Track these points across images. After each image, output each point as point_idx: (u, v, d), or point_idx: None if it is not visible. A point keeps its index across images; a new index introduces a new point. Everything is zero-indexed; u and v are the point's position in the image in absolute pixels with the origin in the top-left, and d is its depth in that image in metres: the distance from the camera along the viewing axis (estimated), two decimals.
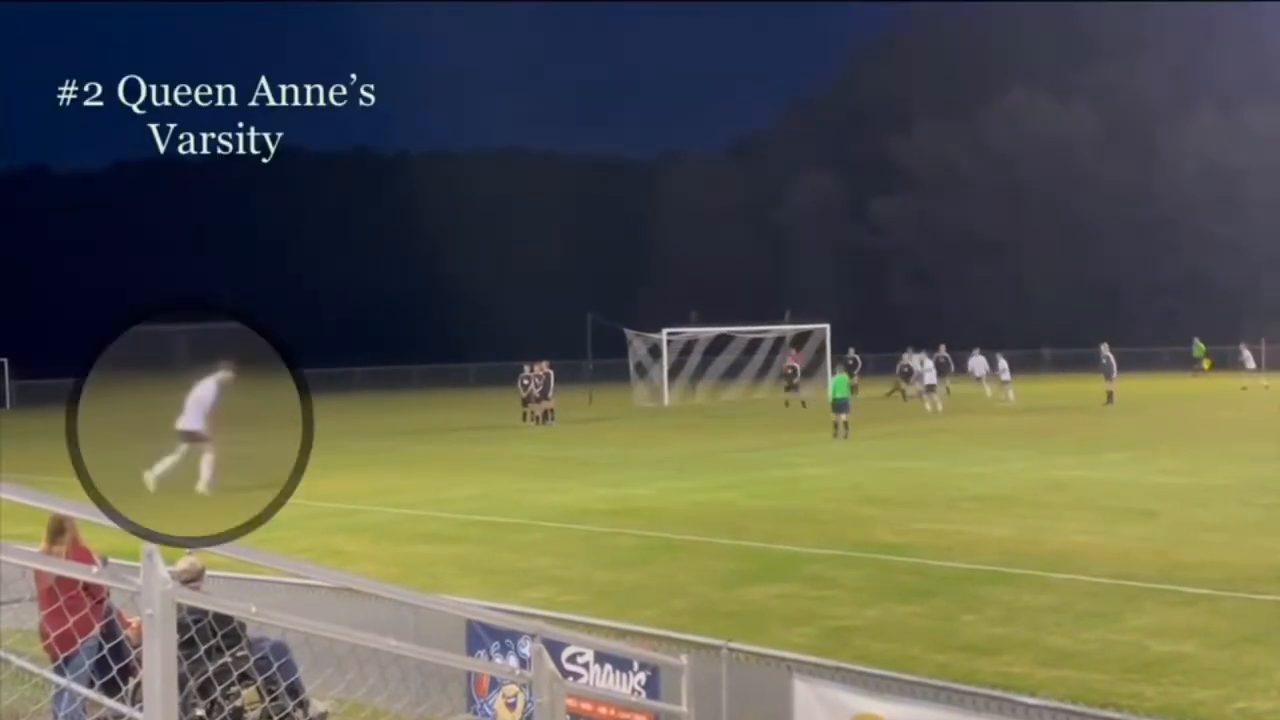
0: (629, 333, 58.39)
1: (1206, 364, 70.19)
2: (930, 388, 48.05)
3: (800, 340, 60.61)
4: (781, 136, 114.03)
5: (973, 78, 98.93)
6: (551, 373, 47.05)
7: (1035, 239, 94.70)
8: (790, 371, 54.99)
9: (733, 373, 61.10)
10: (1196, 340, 71.12)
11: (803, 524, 20.01)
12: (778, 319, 63.60)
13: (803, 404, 51.16)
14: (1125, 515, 19.85)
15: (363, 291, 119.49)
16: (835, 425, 36.81)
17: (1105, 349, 49.54)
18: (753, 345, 62.14)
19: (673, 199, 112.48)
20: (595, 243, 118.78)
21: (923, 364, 49.73)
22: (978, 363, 52.45)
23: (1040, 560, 16.21)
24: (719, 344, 61.91)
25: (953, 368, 53.05)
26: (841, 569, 16.13)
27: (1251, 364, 58.00)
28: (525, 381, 47.07)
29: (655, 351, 58.38)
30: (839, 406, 37.07)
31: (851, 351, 57.31)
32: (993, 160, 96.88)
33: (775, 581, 15.50)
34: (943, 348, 52.78)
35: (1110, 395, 47.73)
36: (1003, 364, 51.26)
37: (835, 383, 38.54)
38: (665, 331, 59.18)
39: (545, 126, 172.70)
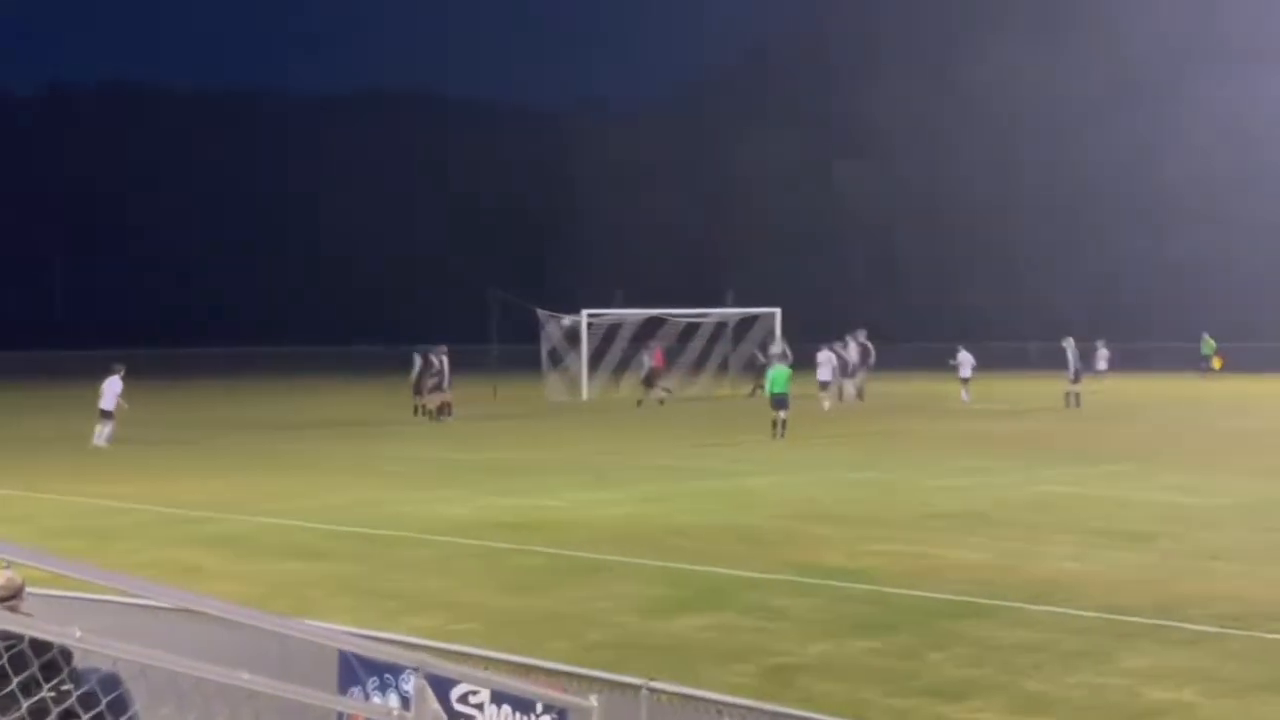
0: (541, 314, 58.24)
1: (1217, 363, 71.11)
2: (824, 384, 50.02)
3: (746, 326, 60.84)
4: (728, 85, 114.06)
5: (954, 20, 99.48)
6: (448, 360, 46.88)
7: (1024, 213, 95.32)
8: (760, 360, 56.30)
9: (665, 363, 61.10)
10: (1205, 336, 72.05)
11: (742, 543, 20.05)
12: (719, 301, 63.71)
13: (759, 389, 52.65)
14: (1119, 539, 20.06)
15: (223, 259, 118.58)
16: (774, 423, 37.78)
17: (1069, 343, 49.85)
18: (688, 331, 62.13)
19: (595, 157, 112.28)
20: (502, 208, 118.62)
21: (845, 347, 52.45)
22: (965, 358, 51.73)
23: (1019, 590, 16.34)
24: (648, 329, 61.85)
25: (873, 358, 53.80)
26: (787, 597, 16.18)
27: (1104, 365, 58.07)
28: (433, 366, 46.79)
29: (573, 337, 58.27)
30: (779, 402, 38.03)
31: (780, 341, 57.60)
32: (976, 119, 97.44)
33: (708, 610, 15.52)
34: (862, 333, 53.74)
35: (1072, 397, 48.10)
36: (963, 356, 51.53)
37: (774, 376, 39.40)
38: (585, 313, 59.09)
39: (436, 67, 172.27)
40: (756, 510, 23.57)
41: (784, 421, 37.80)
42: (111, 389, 37.26)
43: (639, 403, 52.12)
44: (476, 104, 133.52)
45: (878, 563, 18.28)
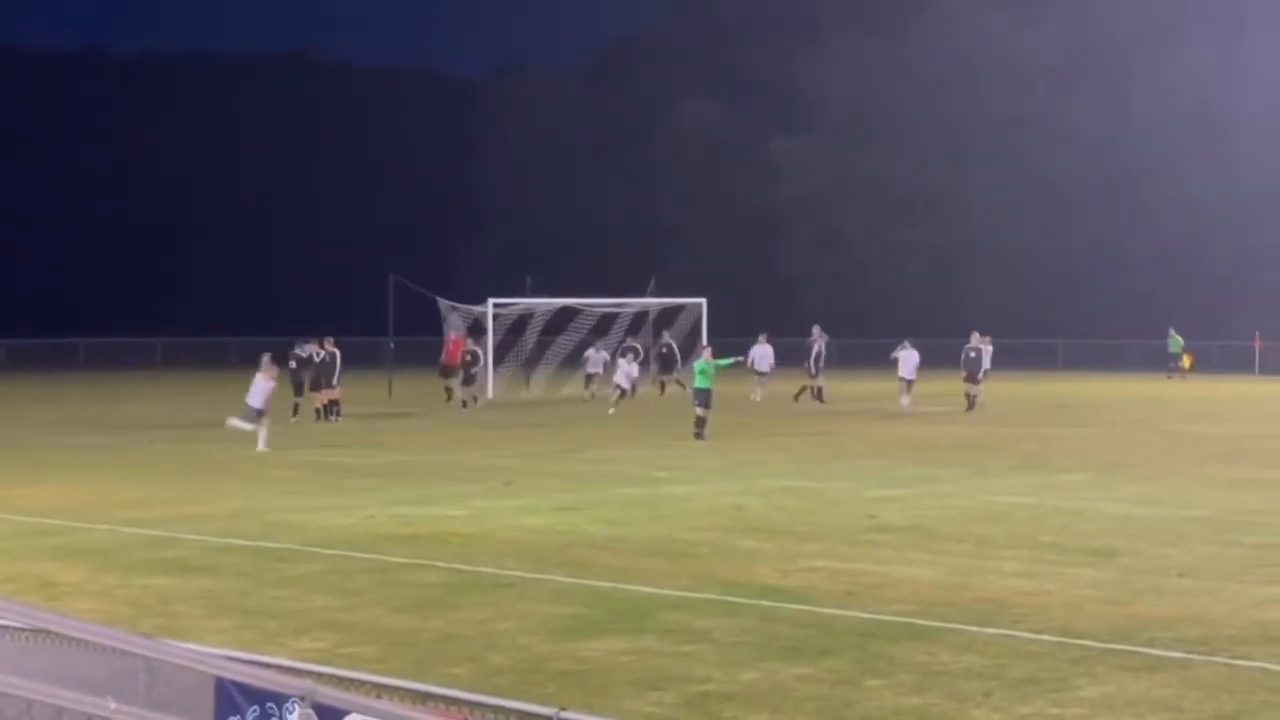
0: (443, 303, 58.12)
1: (1186, 362, 71.92)
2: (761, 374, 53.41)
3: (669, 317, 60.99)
4: (654, 50, 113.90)
5: None
6: (338, 353, 46.69)
7: (977, 196, 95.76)
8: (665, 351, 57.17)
9: (579, 357, 61.13)
10: (1173, 333, 72.85)
11: (664, 558, 20.11)
12: (640, 289, 63.79)
13: (680, 385, 54.62)
14: (1076, 555, 20.26)
15: (86, 244, 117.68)
16: (699, 420, 38.58)
17: (975, 339, 50.10)
18: (605, 322, 62.14)
19: (506, 128, 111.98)
20: (402, 183, 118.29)
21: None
22: (908, 356, 51.87)
23: (967, 611, 16.48)
24: (562, 320, 61.87)
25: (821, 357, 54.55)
26: (712, 617, 16.25)
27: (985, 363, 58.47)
28: (315, 358, 46.61)
29: (477, 328, 58.14)
30: (702, 399, 38.66)
31: (664, 337, 58.35)
32: (925, 93, 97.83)
33: (625, 633, 15.56)
34: (817, 329, 54.50)
35: (971, 399, 48.48)
36: (906, 354, 51.39)
37: (699, 370, 39.81)
38: (491, 302, 58.99)
39: (336, 29, 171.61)
40: (680, 521, 23.63)
41: (702, 420, 38.47)
42: (264, 385, 36.50)
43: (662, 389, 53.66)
44: (378, 70, 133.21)
45: (812, 580, 18.38)
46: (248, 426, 35.70)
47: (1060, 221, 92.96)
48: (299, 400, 46.62)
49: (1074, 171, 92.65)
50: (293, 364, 47.16)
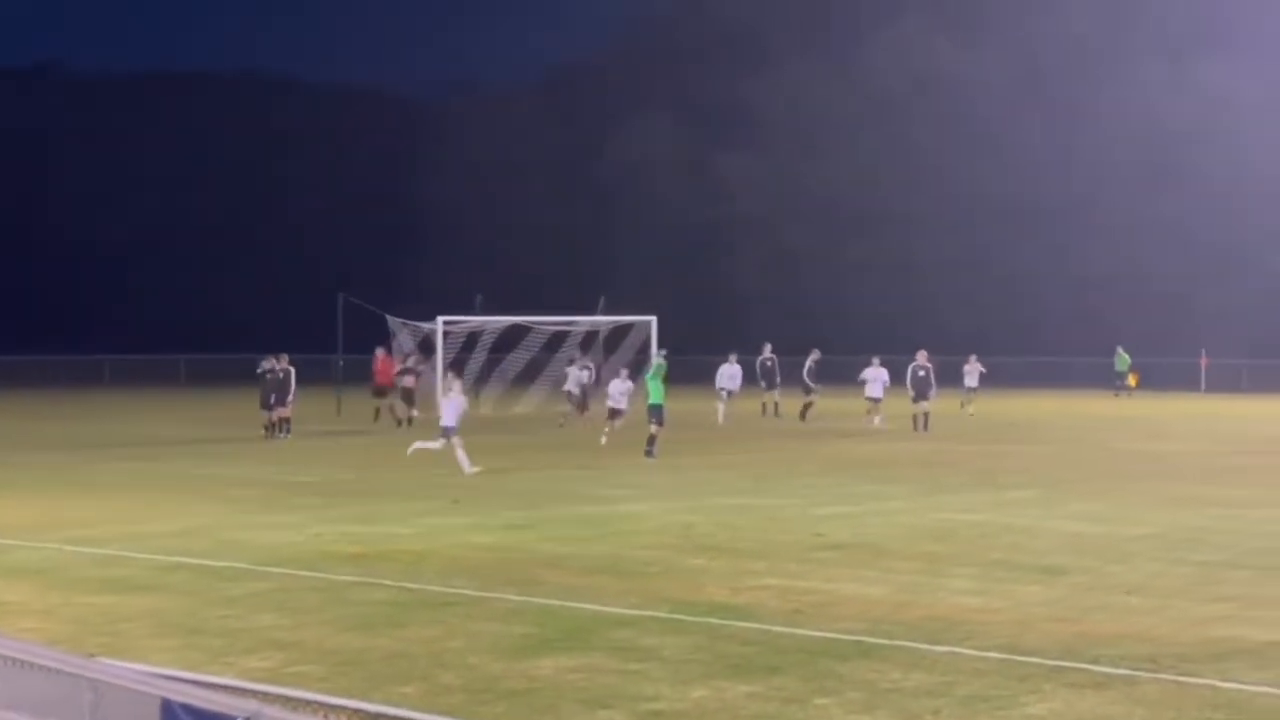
0: (393, 320, 57.99)
1: (1132, 380, 72.33)
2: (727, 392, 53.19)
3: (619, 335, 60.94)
4: (604, 69, 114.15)
5: (853, 2, 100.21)
6: (292, 370, 46.72)
7: (926, 215, 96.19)
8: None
9: (529, 375, 61.09)
10: (1120, 350, 73.27)
11: (613, 576, 20.09)
12: (590, 307, 63.75)
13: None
14: (1025, 572, 20.32)
15: (35, 261, 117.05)
16: (650, 438, 38.72)
17: (922, 358, 50.41)
18: (556, 340, 62.10)
19: (458, 147, 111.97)
20: (352, 201, 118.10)
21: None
22: (877, 375, 51.55)
23: (916, 628, 16.50)
24: (512, 337, 61.81)
25: (778, 377, 54.89)
26: (661, 635, 16.23)
27: (972, 381, 59.04)
28: (271, 376, 46.60)
29: (427, 346, 58.06)
30: (655, 415, 38.93)
31: (578, 360, 58.31)
32: (874, 111, 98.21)
33: (574, 651, 15.53)
34: (768, 347, 54.84)
35: (919, 419, 48.86)
36: (873, 373, 51.58)
37: (652, 386, 39.85)
38: (441, 320, 58.90)
39: (283, 46, 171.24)
40: (629, 539, 23.62)
41: (655, 436, 38.66)
42: (457, 402, 35.57)
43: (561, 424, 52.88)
44: (327, 87, 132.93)
45: (761, 598, 18.38)
46: (434, 445, 34.94)
47: (1009, 239, 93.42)
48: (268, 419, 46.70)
49: (1023, 190, 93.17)
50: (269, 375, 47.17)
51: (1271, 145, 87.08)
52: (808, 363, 55.21)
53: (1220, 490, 30.98)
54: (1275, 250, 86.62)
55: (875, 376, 50.75)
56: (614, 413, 44.80)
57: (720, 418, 52.16)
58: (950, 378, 58.64)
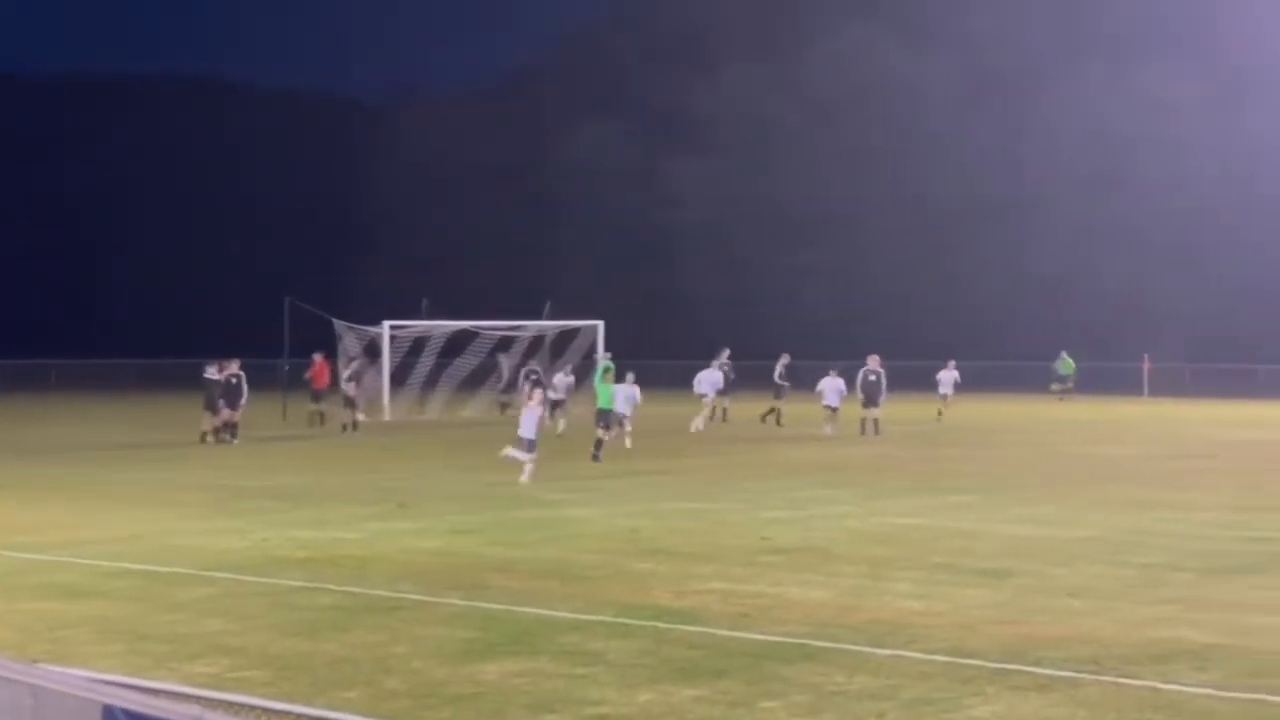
0: (339, 325, 57.90)
1: (1072, 384, 72.67)
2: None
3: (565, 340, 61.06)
4: (550, 75, 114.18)
5: (797, 7, 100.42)
6: (243, 375, 46.86)
7: (874, 219, 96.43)
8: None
9: (476, 380, 61.09)
10: (1064, 355, 73.62)
11: (559, 580, 20.09)
12: (536, 312, 63.79)
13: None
14: (969, 575, 20.41)
15: None
16: (598, 442, 38.83)
17: (873, 362, 50.28)
18: (503, 345, 62.14)
19: (405, 151, 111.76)
20: (299, 205, 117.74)
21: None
22: (833, 385, 50.60)
23: (860, 631, 16.55)
24: (459, 342, 61.79)
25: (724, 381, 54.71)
26: (607, 639, 16.24)
27: (947, 388, 58.57)
28: (223, 382, 46.59)
29: (373, 350, 57.97)
30: (603, 420, 39.10)
31: (531, 366, 58.27)
32: (821, 116, 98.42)
33: (520, 655, 15.52)
34: (726, 353, 54.57)
35: (869, 424, 48.92)
36: (828, 380, 51.45)
37: (602, 390, 39.96)
38: (387, 324, 58.85)
39: (231, 50, 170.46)
40: (576, 543, 23.62)
41: (600, 441, 38.78)
42: (535, 412, 34.51)
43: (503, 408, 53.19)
44: (275, 91, 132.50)
45: (707, 602, 18.40)
46: (524, 456, 34.35)
47: (956, 244, 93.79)
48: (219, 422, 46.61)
49: (970, 194, 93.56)
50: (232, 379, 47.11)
51: (1213, 148, 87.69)
52: (778, 367, 55.01)
53: (1162, 493, 31.20)
54: (1219, 253, 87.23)
55: (831, 386, 50.63)
56: (556, 404, 44.91)
57: (700, 423, 50.99)
58: (907, 383, 59.07)
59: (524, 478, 33.13)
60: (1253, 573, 20.71)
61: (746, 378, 58.97)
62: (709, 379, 52.75)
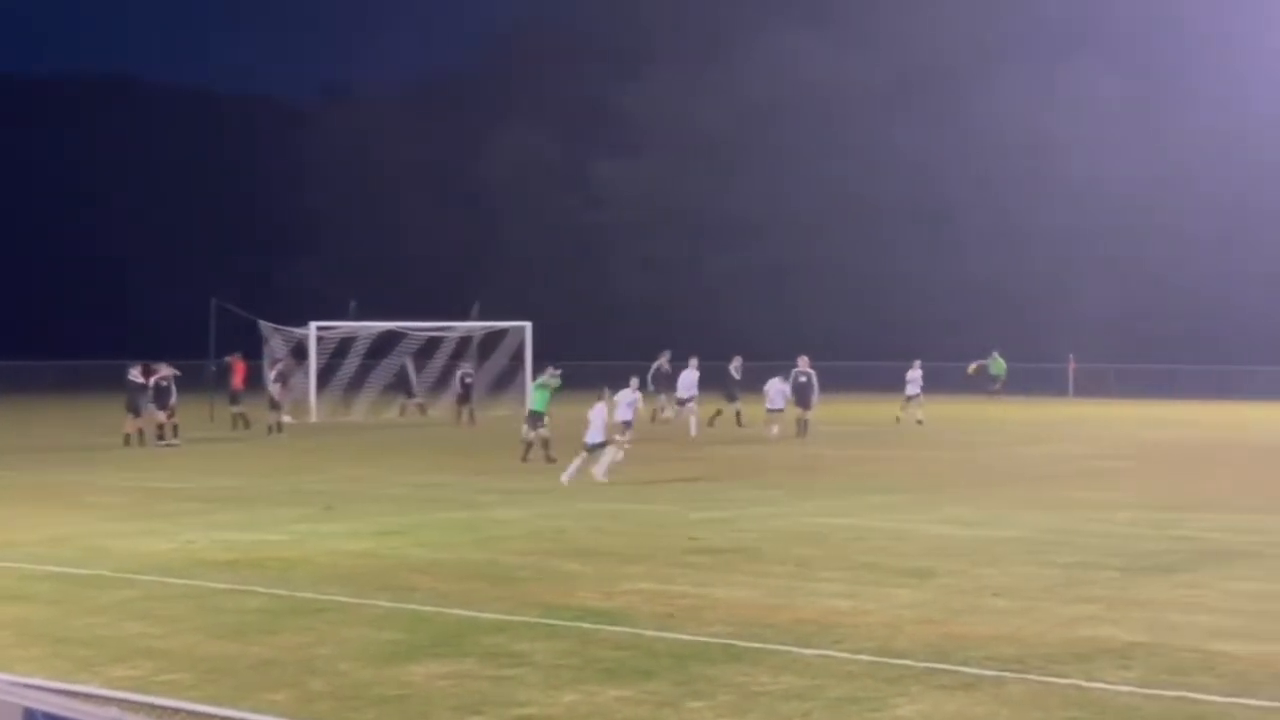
0: (265, 326, 57.65)
1: (972, 369, 72.81)
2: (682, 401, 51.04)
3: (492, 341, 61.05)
4: (479, 76, 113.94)
5: (725, 10, 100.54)
6: (172, 375, 46.79)
7: (802, 221, 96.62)
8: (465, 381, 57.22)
9: (403, 382, 61.00)
10: (996, 355, 73.98)
11: (485, 581, 20.06)
12: (464, 313, 63.73)
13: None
14: (895, 575, 20.49)
15: None
16: (528, 445, 38.66)
17: (804, 363, 50.02)
18: (430, 346, 62.08)
19: (333, 152, 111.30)
20: (227, 205, 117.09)
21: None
22: (779, 389, 49.82)
23: (787, 632, 16.59)
24: (386, 344, 61.65)
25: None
26: (533, 640, 16.22)
27: (914, 389, 57.60)
28: (163, 382, 46.48)
29: (300, 352, 57.76)
30: (536, 421, 38.75)
31: (465, 369, 58.28)
32: (749, 119, 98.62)
33: (446, 656, 15.49)
34: (666, 355, 54.52)
35: (801, 425, 48.77)
36: (772, 384, 50.62)
37: (536, 394, 39.58)
38: (314, 326, 58.64)
39: (158, 49, 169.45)
40: (502, 544, 23.59)
41: (532, 443, 38.66)
42: (600, 415, 34.25)
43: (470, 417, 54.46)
44: (202, 91, 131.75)
45: (633, 602, 18.42)
46: (617, 456, 33.98)
47: (884, 246, 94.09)
48: (164, 424, 46.34)
49: (898, 196, 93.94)
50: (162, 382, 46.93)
51: (1137, 149, 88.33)
52: (731, 369, 54.61)
53: (1087, 493, 31.43)
54: (1144, 254, 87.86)
55: (777, 389, 50.47)
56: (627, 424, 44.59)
57: (693, 428, 50.21)
58: (837, 383, 59.30)
59: (565, 477, 33.08)
60: (1175, 571, 20.88)
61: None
62: (686, 380, 51.29)
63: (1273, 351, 77.89)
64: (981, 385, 72.15)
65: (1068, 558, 22.08)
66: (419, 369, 60.97)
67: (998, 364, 73.66)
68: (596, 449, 33.81)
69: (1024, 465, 38.97)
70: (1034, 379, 77.06)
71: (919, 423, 54.28)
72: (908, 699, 13.71)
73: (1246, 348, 79.19)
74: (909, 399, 56.30)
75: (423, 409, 59.65)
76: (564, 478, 33.09)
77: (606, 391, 35.84)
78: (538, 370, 57.52)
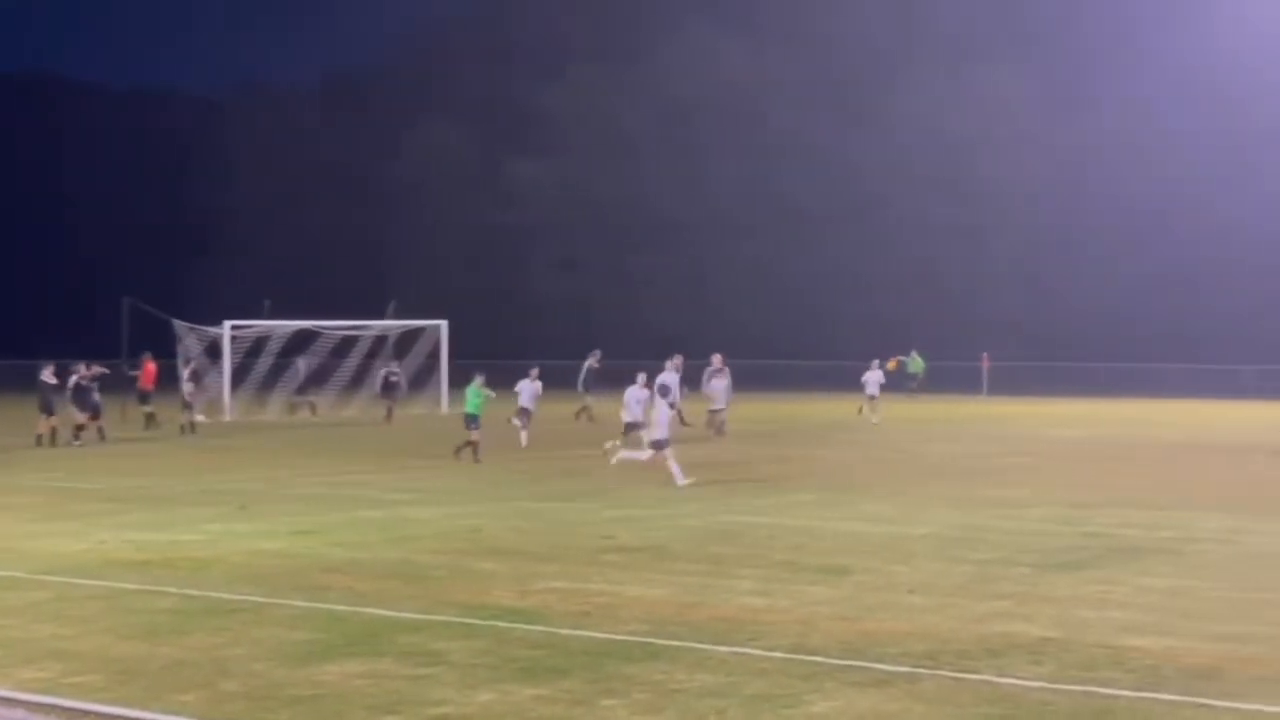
0: (179, 325, 57.33)
1: (891, 365, 73.16)
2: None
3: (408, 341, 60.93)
4: (394, 72, 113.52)
5: (645, 9, 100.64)
6: (96, 374, 46.69)
7: (719, 220, 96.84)
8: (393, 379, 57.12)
9: (317, 380, 60.80)
10: (914, 354, 74.43)
11: (401, 581, 20.00)
12: (379, 312, 63.58)
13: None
14: (810, 573, 20.56)
15: None
16: (461, 446, 38.82)
17: (717, 361, 49.71)
18: (345, 345, 61.92)
19: (248, 149, 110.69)
20: (137, 203, 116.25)
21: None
22: (716, 389, 49.30)
23: (702, 629, 16.63)
24: (300, 343, 61.44)
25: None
26: (448, 640, 16.19)
27: (873, 389, 57.42)
28: (84, 382, 46.30)
29: (214, 350, 57.47)
30: (473, 423, 38.88)
31: (394, 367, 58.39)
32: (664, 117, 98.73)
33: (361, 656, 15.44)
34: (597, 355, 54.48)
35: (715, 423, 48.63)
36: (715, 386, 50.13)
37: (470, 394, 39.75)
38: (228, 325, 58.33)
39: (68, 46, 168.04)
40: (418, 544, 23.53)
41: (468, 445, 38.80)
42: (663, 413, 33.64)
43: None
44: (112, 88, 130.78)
45: (549, 601, 18.41)
46: (642, 456, 33.39)
47: (801, 244, 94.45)
48: (96, 425, 46.09)
49: (815, 195, 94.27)
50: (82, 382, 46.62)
51: (1051, 149, 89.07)
52: (586, 366, 54.87)
53: (999, 490, 31.65)
54: (1056, 253, 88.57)
55: (635, 398, 49.78)
56: (523, 412, 44.54)
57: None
58: (753, 383, 59.30)
59: (679, 480, 32.51)
60: (1085, 568, 21.05)
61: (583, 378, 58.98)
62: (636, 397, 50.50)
63: (1183, 350, 78.78)
64: (900, 383, 72.54)
65: (981, 554, 22.24)
66: (311, 369, 60.79)
67: (916, 362, 74.15)
68: (659, 446, 33.19)
69: (939, 463, 39.20)
70: (949, 377, 77.61)
71: (875, 424, 54.35)
72: (822, 695, 13.76)
73: (1155, 346, 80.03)
74: (870, 399, 56.32)
75: (313, 408, 59.42)
76: (679, 481, 32.41)
77: (657, 385, 34.93)
78: (454, 370, 58.22)
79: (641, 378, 39.41)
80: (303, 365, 60.18)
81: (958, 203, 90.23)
